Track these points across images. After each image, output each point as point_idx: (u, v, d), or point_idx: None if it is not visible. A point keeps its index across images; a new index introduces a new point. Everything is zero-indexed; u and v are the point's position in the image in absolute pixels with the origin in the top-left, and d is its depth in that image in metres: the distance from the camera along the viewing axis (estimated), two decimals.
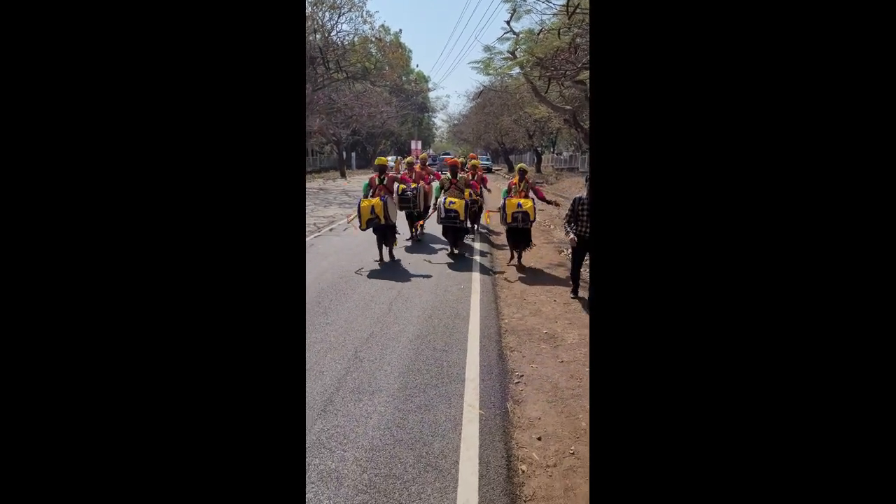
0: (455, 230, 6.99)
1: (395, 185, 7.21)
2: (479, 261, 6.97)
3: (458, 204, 6.70)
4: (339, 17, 18.55)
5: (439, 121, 51.91)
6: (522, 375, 3.50)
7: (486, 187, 8.50)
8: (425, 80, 42.56)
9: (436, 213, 6.97)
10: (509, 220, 6.21)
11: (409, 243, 8.11)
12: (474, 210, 8.08)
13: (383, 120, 26.47)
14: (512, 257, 6.70)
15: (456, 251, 7.23)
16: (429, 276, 6.04)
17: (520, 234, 6.40)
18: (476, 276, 6.12)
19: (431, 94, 44.72)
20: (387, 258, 6.81)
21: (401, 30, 43.02)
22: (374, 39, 22.70)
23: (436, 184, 7.62)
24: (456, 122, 40.59)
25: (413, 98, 33.84)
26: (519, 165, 6.75)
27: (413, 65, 40.88)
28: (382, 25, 36.86)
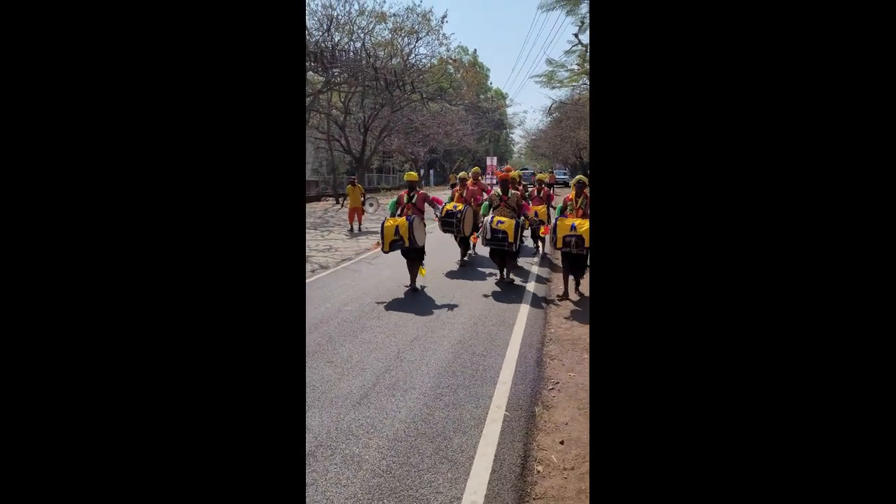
0: (503, 253, 6.12)
1: (441, 204, 6.61)
2: (532, 290, 6.05)
3: (506, 224, 5.82)
4: (416, 42, 19.48)
5: (517, 136, 51.99)
6: (558, 382, 3.48)
7: (551, 205, 7.74)
8: (503, 97, 42.97)
9: (481, 233, 6.11)
10: (559, 244, 5.32)
11: (455, 267, 7.44)
12: (533, 227, 7.49)
13: (459, 138, 27.10)
14: (565, 291, 5.66)
15: (506, 278, 6.37)
16: (457, 307, 5.23)
17: (575, 261, 5.51)
18: (524, 309, 5.19)
19: (509, 111, 44.96)
20: (416, 284, 6.04)
21: (475, 49, 43.84)
22: (451, 60, 23.50)
23: (484, 203, 6.58)
24: (533, 136, 40.46)
25: (489, 115, 34.26)
26: (577, 178, 5.71)
27: (489, 83, 41.49)
28: (460, 46, 37.92)
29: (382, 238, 5.69)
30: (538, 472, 2.47)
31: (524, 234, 6.97)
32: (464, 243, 7.47)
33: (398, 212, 5.99)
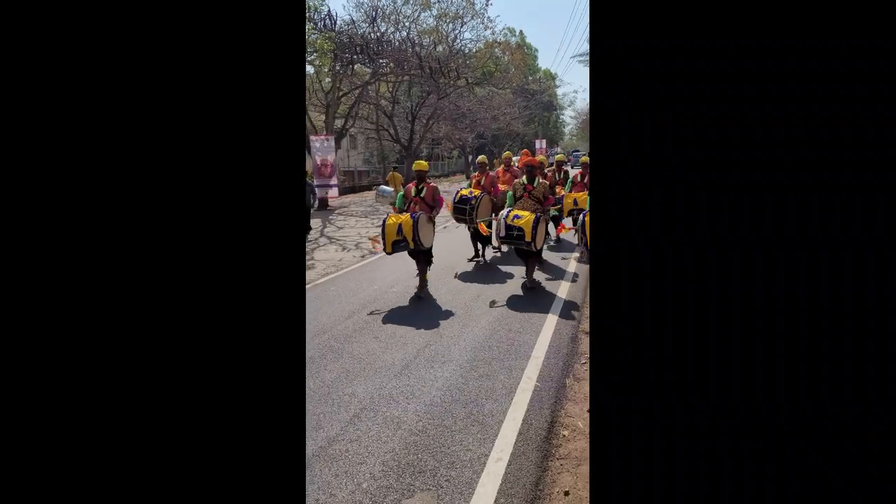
0: (526, 253, 5.25)
1: (457, 191, 5.82)
2: (563, 298, 4.94)
3: (524, 219, 4.91)
4: (461, 27, 19.45)
5: (567, 117, 50.69)
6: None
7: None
8: (552, 77, 41.96)
9: (495, 229, 5.33)
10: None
11: (470, 266, 6.47)
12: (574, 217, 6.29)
13: (507, 122, 26.86)
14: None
15: (528, 282, 5.32)
16: (454, 326, 4.41)
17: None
18: (550, 323, 4.20)
19: (559, 91, 43.90)
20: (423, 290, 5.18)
21: (521, 31, 42.94)
22: (497, 43, 23.28)
23: (509, 192, 5.60)
24: (584, 117, 39.33)
25: (538, 97, 33.64)
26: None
27: (538, 63, 40.62)
28: (507, 28, 37.33)
29: (384, 237, 4.89)
30: (564, 436, 2.63)
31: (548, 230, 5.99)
32: (477, 238, 6.53)
33: (405, 207, 5.14)
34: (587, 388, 3.11)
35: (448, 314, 4.57)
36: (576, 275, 5.92)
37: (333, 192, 13.47)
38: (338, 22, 14.29)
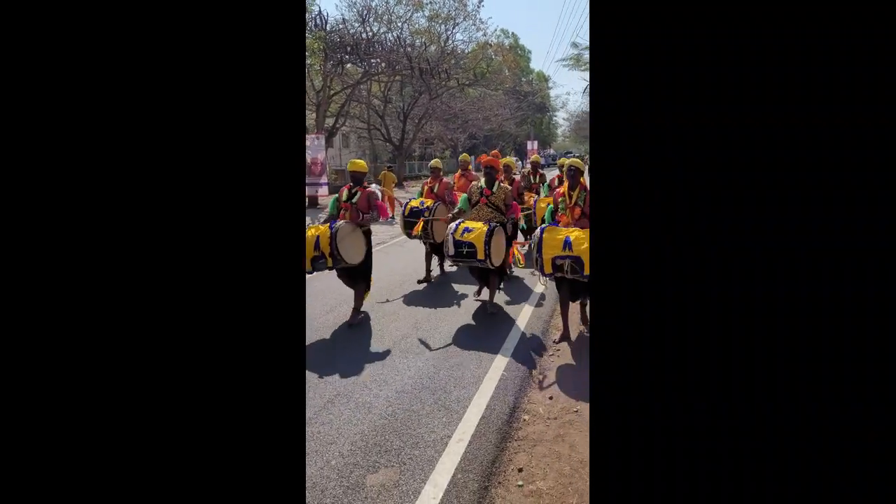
0: (481, 271, 4.42)
1: (386, 215, 4.47)
2: (521, 328, 4.13)
3: (475, 233, 4.00)
4: (453, 28, 19.63)
5: (560, 119, 51.03)
6: (559, 349, 3.77)
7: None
8: (545, 79, 42.27)
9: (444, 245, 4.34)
10: (548, 268, 3.48)
11: (420, 287, 5.49)
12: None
13: (499, 123, 27.07)
14: (564, 330, 3.85)
15: (489, 306, 4.51)
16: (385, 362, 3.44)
17: (577, 285, 3.62)
18: (499, 366, 3.38)
19: (552, 93, 44.20)
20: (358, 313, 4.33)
21: (513, 33, 43.18)
22: (490, 44, 23.50)
23: (462, 196, 4.63)
24: (577, 118, 39.66)
25: (530, 98, 33.91)
26: (568, 161, 3.82)
27: (531, 65, 40.92)
28: (501, 29, 37.57)
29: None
30: (524, 420, 2.81)
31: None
32: (436, 253, 5.66)
33: (336, 213, 4.28)
34: (551, 377, 3.29)
35: (369, 358, 3.53)
36: (542, 297, 5.01)
37: (323, 190, 13.59)
38: (329, 21, 14.42)
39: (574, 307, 4.10)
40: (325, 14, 17.33)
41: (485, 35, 21.29)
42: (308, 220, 11.35)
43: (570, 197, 3.71)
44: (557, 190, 3.88)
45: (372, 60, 15.91)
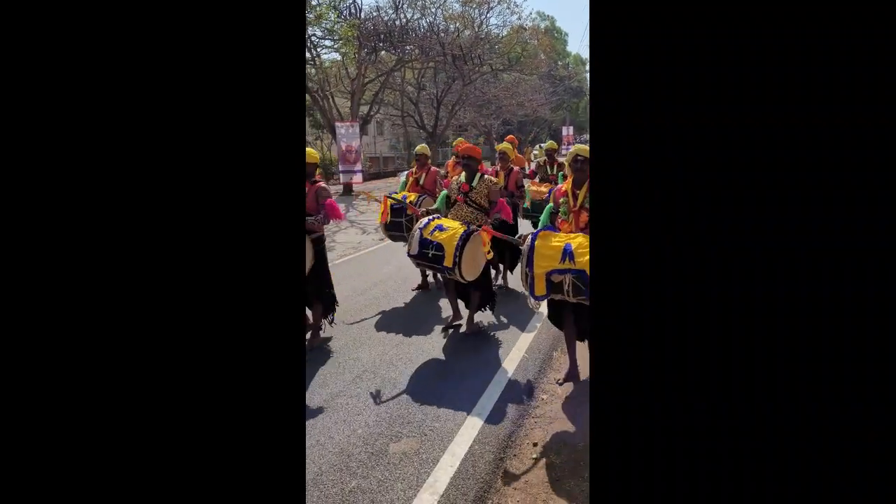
0: (460, 284, 3.57)
1: (340, 216, 3.50)
2: (514, 361, 3.36)
3: (447, 234, 3.24)
4: (487, 12, 19.42)
5: None
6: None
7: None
8: (582, 63, 41.21)
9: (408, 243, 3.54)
10: (540, 289, 2.56)
11: (412, 295, 4.87)
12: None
13: (534, 108, 26.71)
14: (571, 367, 3.02)
15: (467, 327, 3.75)
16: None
17: (583, 312, 2.71)
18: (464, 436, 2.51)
19: (589, 76, 43.02)
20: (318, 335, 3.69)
21: (549, 15, 42.14)
22: (525, 28, 23.13)
23: (443, 193, 3.85)
24: None
25: (566, 82, 33.19)
26: (574, 149, 2.79)
27: (567, 48, 39.99)
28: (538, 12, 36.83)
29: None
30: (542, 399, 2.92)
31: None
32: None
33: None
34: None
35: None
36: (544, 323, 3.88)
37: (358, 177, 13.89)
38: (363, 10, 14.58)
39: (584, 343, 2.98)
40: (360, 2, 17.48)
41: (519, 19, 21.00)
42: (342, 206, 11.67)
43: (576, 197, 2.70)
44: (559, 188, 2.91)
45: (406, 47, 15.99)
